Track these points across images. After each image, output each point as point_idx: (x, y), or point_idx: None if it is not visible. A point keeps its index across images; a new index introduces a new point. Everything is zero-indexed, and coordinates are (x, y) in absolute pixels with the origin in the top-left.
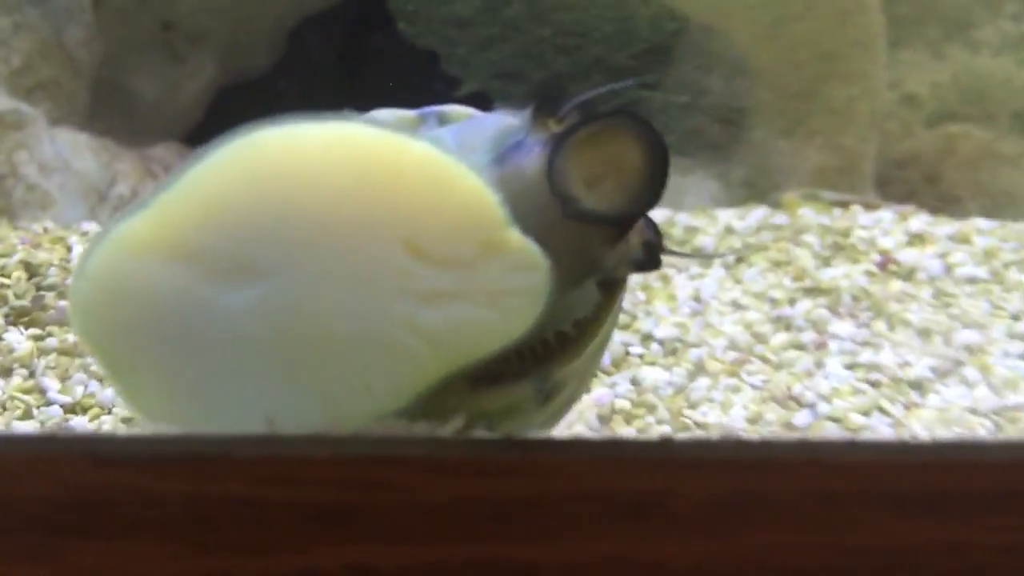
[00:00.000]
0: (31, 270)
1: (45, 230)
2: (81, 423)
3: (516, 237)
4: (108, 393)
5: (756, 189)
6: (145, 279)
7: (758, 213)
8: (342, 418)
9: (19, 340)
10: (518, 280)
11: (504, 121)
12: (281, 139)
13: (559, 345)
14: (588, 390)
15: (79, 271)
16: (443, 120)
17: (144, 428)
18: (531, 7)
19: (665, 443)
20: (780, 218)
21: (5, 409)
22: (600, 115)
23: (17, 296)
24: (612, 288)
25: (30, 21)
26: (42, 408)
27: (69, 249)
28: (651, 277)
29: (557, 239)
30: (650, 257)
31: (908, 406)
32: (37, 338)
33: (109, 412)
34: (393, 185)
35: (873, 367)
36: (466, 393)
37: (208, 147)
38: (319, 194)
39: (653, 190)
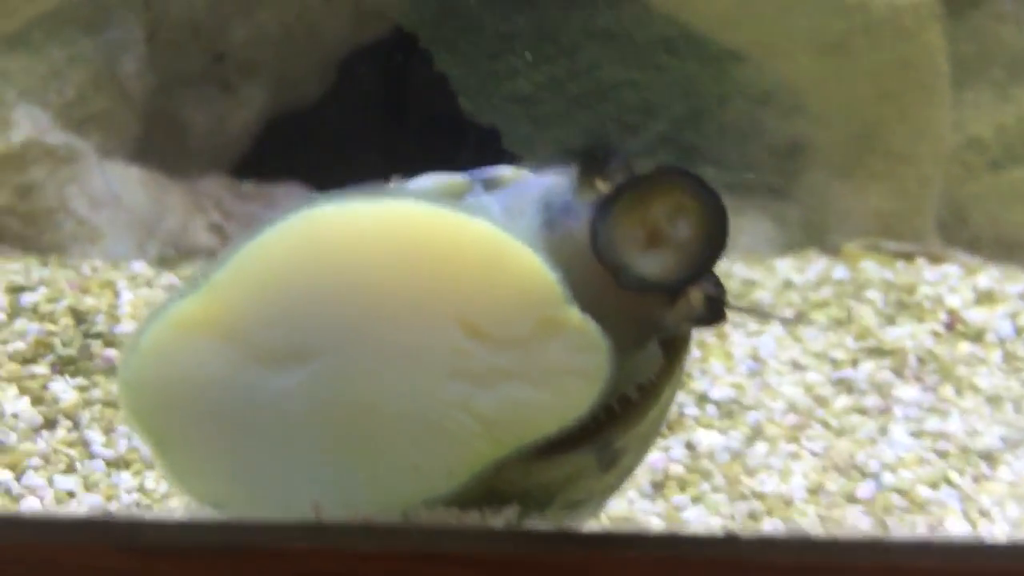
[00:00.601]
0: (79, 316)
1: (94, 270)
2: (124, 477)
3: (575, 315)
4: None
5: (813, 231)
6: (195, 359)
7: (818, 266)
8: (390, 503)
9: (65, 390)
10: (577, 360)
11: (551, 182)
12: (335, 216)
13: (622, 410)
14: None
15: (131, 347)
16: (494, 184)
17: (186, 505)
18: (597, 84)
19: (730, 541)
20: (841, 271)
21: (48, 462)
22: (647, 175)
23: (64, 344)
24: (676, 347)
25: (84, 53)
26: (85, 462)
27: (117, 295)
28: (707, 333)
29: (614, 305)
30: (713, 312)
31: (977, 478)
32: (82, 388)
33: (152, 468)
34: (449, 263)
35: (940, 435)
36: (524, 464)
37: (262, 223)
38: (373, 272)
39: (712, 251)
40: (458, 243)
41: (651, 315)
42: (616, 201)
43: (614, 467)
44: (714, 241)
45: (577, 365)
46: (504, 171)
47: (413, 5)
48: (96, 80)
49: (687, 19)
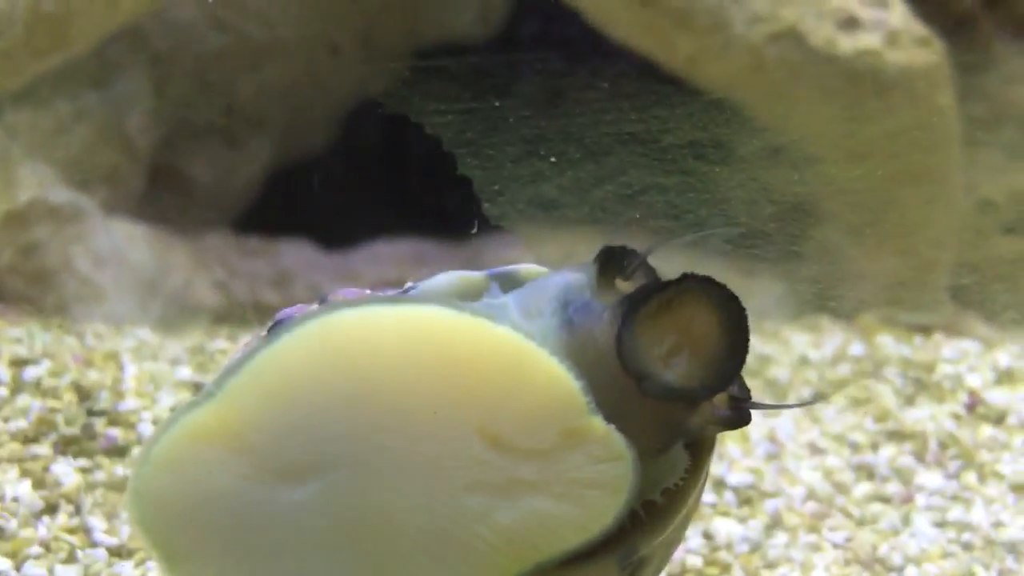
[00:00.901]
0: (82, 393)
1: (97, 337)
2: (126, 568)
3: (599, 425)
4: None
5: (825, 293)
6: (208, 471)
7: (834, 340)
8: None
9: (66, 472)
10: (600, 472)
11: (568, 279)
12: (354, 323)
13: (647, 516)
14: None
15: (143, 456)
16: (511, 281)
17: None
18: (622, 188)
19: None
20: (858, 347)
21: (49, 550)
22: (673, 281)
23: (67, 422)
24: (700, 449)
25: (91, 107)
26: (87, 551)
27: (121, 368)
28: None
29: (637, 410)
30: (738, 414)
31: (1003, 573)
32: (85, 470)
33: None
34: (470, 371)
35: (964, 526)
36: (546, 572)
37: (278, 324)
38: (392, 381)
39: (735, 359)
40: (480, 350)
41: (675, 419)
42: (642, 307)
43: (639, 575)
44: (738, 350)
45: (601, 477)
46: (521, 268)
47: (435, 107)
48: (103, 135)
49: (700, 83)
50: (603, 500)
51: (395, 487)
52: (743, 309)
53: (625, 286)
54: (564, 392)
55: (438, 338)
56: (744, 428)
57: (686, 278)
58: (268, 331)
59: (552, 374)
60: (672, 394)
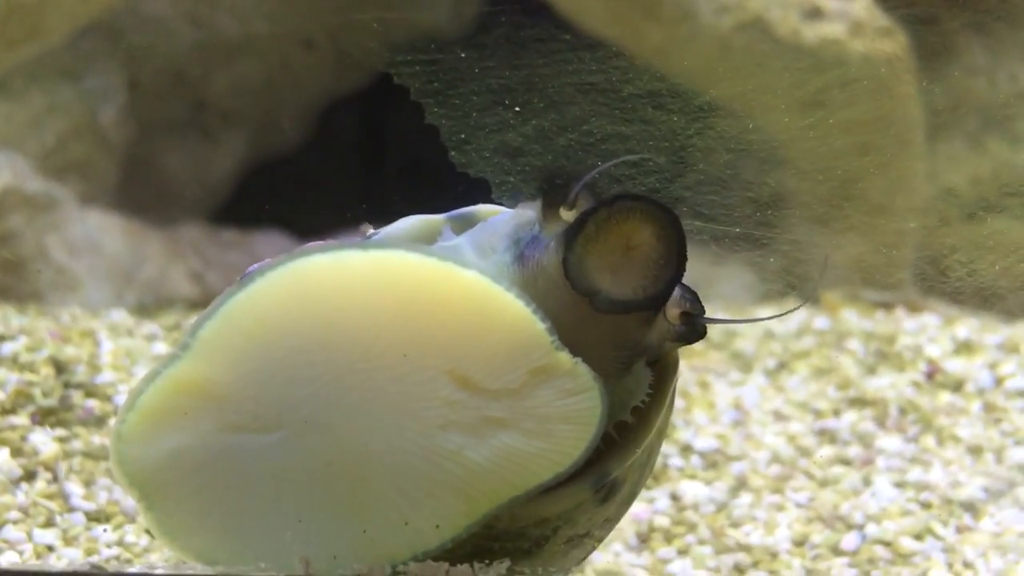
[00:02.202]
0: (59, 366)
1: (73, 318)
2: (104, 532)
3: (566, 360)
4: (132, 501)
5: (792, 279)
6: (187, 420)
7: (799, 315)
8: (380, 557)
9: (44, 441)
10: (569, 405)
11: (518, 216)
12: (326, 266)
13: (619, 436)
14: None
15: (128, 405)
16: (471, 220)
17: (169, 560)
18: (584, 137)
19: None
20: (822, 321)
21: (28, 515)
22: (605, 201)
23: (44, 394)
24: (664, 368)
25: (65, 101)
26: (65, 515)
27: (97, 344)
28: (690, 383)
29: (594, 331)
30: (692, 328)
31: (960, 529)
32: (62, 440)
33: (132, 521)
34: (440, 314)
35: (923, 486)
36: (521, 502)
37: (250, 273)
38: (365, 323)
39: (676, 264)
40: (448, 294)
41: (632, 337)
42: (581, 230)
43: (613, 498)
44: (677, 255)
45: (570, 410)
46: (479, 208)
47: (404, 60)
48: (77, 128)
49: (668, 72)
50: (573, 433)
51: (367, 428)
52: (675, 218)
53: (569, 215)
54: (530, 332)
55: (407, 282)
56: (710, 397)
57: (619, 197)
58: (239, 281)
59: (519, 315)
60: (619, 306)
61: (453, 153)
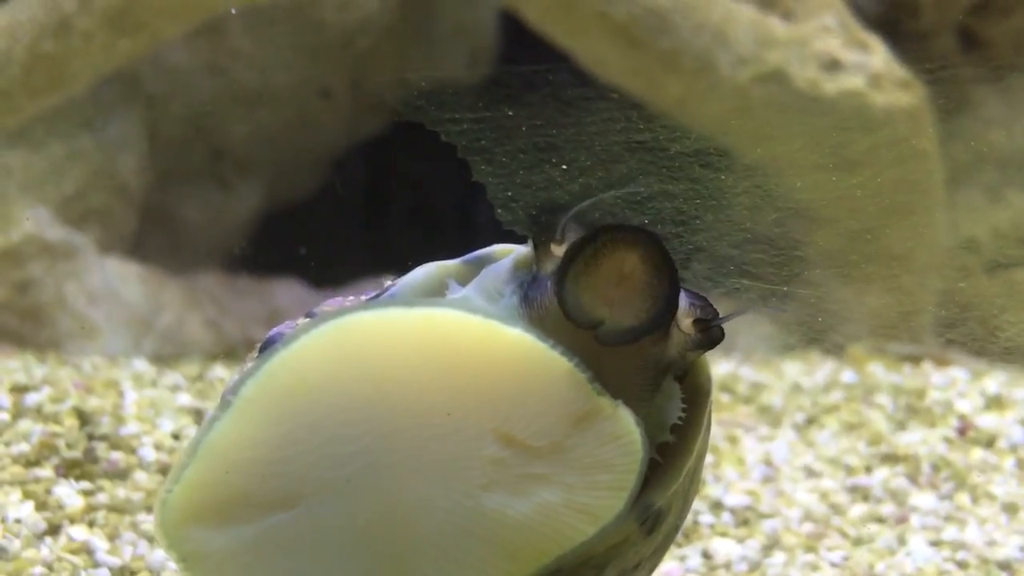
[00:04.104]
0: (84, 418)
1: (95, 368)
2: None
3: (607, 404)
4: (158, 555)
5: (813, 331)
6: (231, 483)
7: (825, 369)
8: None
9: (69, 495)
10: (611, 451)
11: (517, 257)
12: (370, 325)
13: (663, 458)
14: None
15: (172, 477)
16: (488, 261)
17: None
18: (630, 195)
19: None
20: (849, 375)
21: (52, 570)
22: (586, 237)
23: (69, 446)
24: (696, 387)
25: (84, 149)
26: (90, 570)
27: (121, 395)
28: (718, 438)
29: (612, 362)
30: (708, 335)
31: None
32: (87, 493)
33: None
34: (483, 373)
35: (959, 545)
36: (568, 559)
37: (295, 330)
38: (409, 381)
39: (667, 278)
40: (492, 353)
41: (652, 357)
42: (570, 268)
43: (659, 527)
44: (666, 268)
45: (612, 456)
46: (495, 249)
47: (450, 116)
48: (96, 176)
49: (688, 122)
50: (615, 483)
51: (411, 488)
52: (657, 237)
53: (560, 249)
54: (574, 384)
55: (451, 340)
56: (739, 452)
57: (601, 230)
58: (259, 351)
59: (563, 370)
60: (625, 336)
61: (499, 211)
